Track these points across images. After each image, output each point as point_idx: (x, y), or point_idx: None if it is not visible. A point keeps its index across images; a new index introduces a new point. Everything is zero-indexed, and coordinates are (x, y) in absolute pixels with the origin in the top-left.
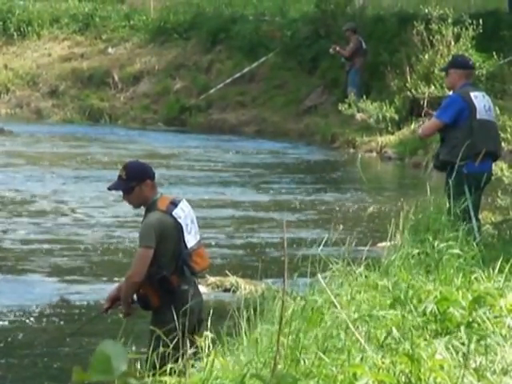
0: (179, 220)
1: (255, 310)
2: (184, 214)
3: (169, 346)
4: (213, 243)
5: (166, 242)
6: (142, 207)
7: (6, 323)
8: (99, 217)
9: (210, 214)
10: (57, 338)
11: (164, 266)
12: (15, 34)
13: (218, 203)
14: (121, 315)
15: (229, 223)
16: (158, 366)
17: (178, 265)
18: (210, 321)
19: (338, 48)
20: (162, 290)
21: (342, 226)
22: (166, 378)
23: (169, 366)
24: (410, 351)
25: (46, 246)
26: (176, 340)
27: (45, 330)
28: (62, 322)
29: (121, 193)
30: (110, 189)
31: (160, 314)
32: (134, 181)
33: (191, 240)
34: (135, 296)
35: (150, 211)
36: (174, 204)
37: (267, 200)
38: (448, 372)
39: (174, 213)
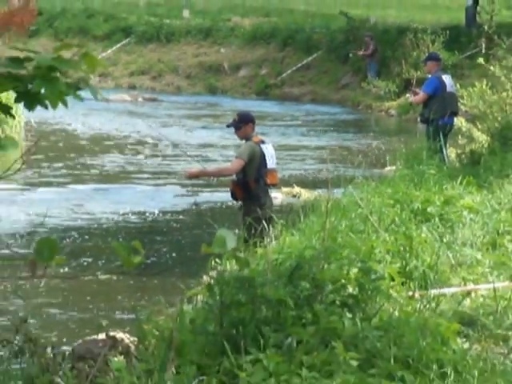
0: (264, 150)
1: (310, 208)
2: (267, 150)
3: (256, 229)
4: (288, 168)
5: (253, 160)
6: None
7: (153, 220)
8: (219, 150)
9: (286, 152)
10: (188, 228)
11: (248, 174)
12: (164, 40)
13: (291, 146)
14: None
15: (298, 157)
16: (249, 242)
17: (256, 176)
18: (283, 214)
19: (360, 52)
20: (243, 189)
21: (363, 157)
22: (256, 249)
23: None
24: (406, 232)
25: (182, 166)
26: (259, 225)
27: (180, 224)
28: (193, 218)
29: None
30: (227, 126)
31: (246, 209)
32: (242, 123)
33: (270, 165)
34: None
35: (247, 141)
36: (263, 142)
37: (320, 143)
38: (429, 244)
39: (261, 145)
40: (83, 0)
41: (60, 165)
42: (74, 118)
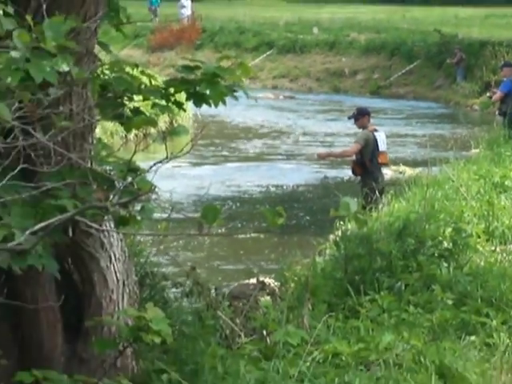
0: (376, 137)
1: (413, 182)
2: (380, 137)
3: (371, 198)
4: (396, 151)
5: (368, 145)
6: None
7: (290, 191)
8: (341, 137)
9: (394, 138)
10: (318, 198)
11: (364, 156)
12: (299, 51)
13: (398, 133)
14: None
15: (404, 142)
16: (366, 208)
17: (371, 157)
18: (392, 187)
19: (450, 60)
20: (361, 167)
21: (453, 143)
22: (372, 214)
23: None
24: (489, 200)
25: (311, 149)
26: (374, 195)
27: (311, 194)
28: (321, 190)
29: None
30: (348, 118)
31: (363, 182)
32: (360, 115)
33: (381, 147)
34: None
35: (363, 130)
36: (376, 130)
37: (420, 132)
38: (507, 209)
39: (374, 133)
40: (236, 20)
41: (217, 148)
42: (231, 112)
